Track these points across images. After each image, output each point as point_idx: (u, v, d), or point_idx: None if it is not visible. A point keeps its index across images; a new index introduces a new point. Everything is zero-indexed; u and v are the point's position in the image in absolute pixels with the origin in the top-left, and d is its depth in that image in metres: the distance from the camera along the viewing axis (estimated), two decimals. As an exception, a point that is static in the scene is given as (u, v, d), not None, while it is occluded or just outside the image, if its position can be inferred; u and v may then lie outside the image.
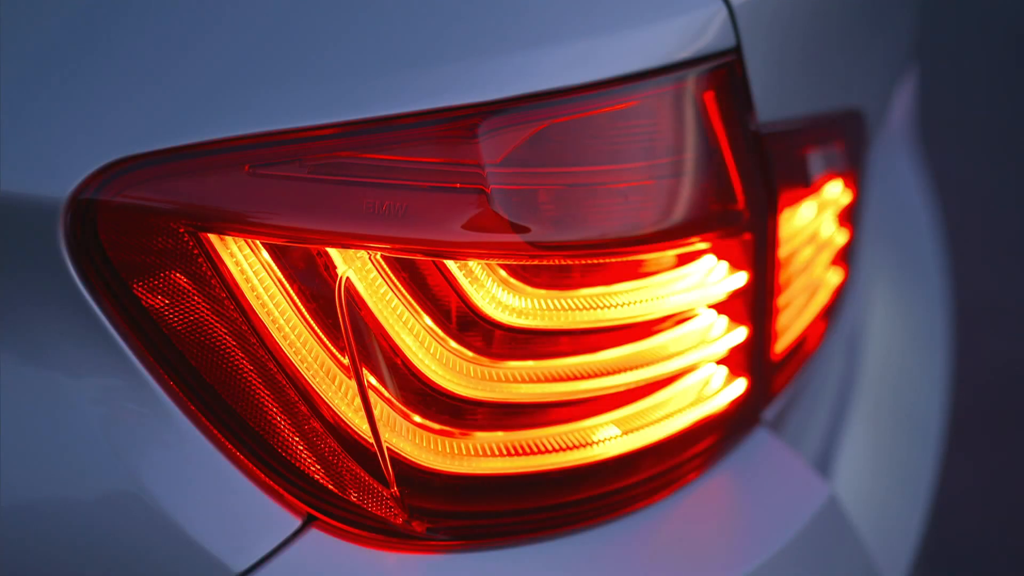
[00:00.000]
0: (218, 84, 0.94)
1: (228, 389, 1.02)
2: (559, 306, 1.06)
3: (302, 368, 1.02)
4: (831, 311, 1.41)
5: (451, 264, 1.02)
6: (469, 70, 0.95)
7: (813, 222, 1.28)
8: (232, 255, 0.99)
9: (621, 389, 1.11)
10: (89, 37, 0.96)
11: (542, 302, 1.05)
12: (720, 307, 1.16)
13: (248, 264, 0.99)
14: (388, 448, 1.04)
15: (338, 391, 1.03)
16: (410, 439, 1.05)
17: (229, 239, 0.98)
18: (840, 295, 1.44)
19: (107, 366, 0.99)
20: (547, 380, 1.08)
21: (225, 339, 1.01)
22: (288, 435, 1.04)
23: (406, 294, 1.02)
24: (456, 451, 1.07)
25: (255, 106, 0.94)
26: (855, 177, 1.39)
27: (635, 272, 1.09)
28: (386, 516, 1.07)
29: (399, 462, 1.05)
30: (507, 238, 0.99)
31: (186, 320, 1.00)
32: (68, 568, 1.02)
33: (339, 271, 1.00)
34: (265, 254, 1.00)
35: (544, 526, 1.12)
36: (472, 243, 0.99)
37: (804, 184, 1.24)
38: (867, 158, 1.45)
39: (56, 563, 1.02)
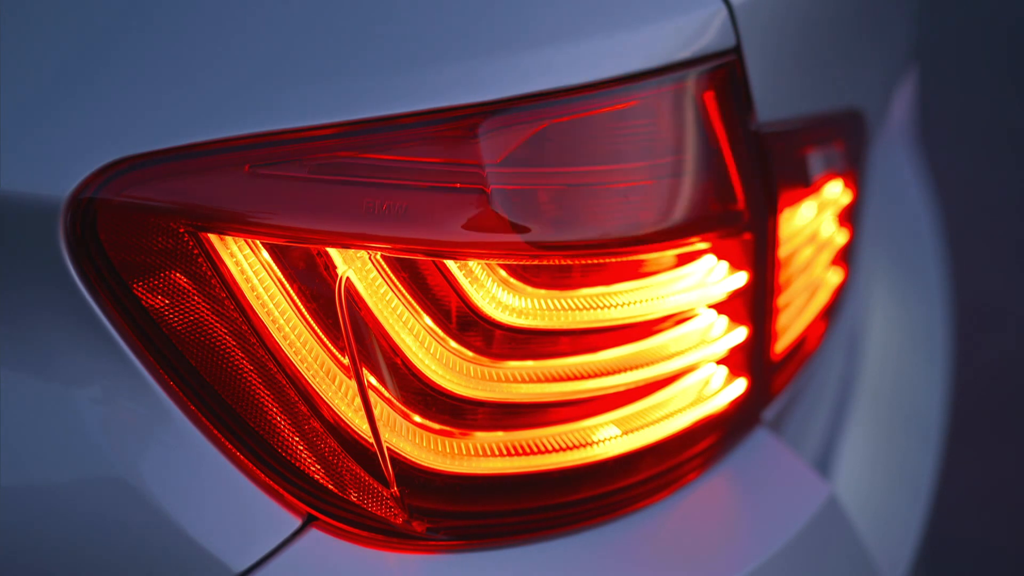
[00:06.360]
0: (218, 84, 0.94)
1: (228, 389, 1.02)
2: (559, 306, 1.06)
3: (302, 368, 1.02)
4: (831, 311, 1.41)
5: (451, 264, 1.02)
6: (469, 70, 0.95)
7: (813, 222, 1.28)
8: (232, 255, 0.99)
9: (621, 389, 1.11)
10: (89, 38, 0.96)
11: (542, 302, 1.05)
12: (720, 307, 1.16)
13: (248, 264, 0.99)
14: (388, 448, 1.04)
15: (338, 391, 1.03)
16: (410, 439, 1.05)
17: (229, 239, 0.98)
18: (840, 295, 1.44)
19: (107, 366, 0.99)
20: (547, 380, 1.07)
21: (225, 339, 1.01)
22: (288, 435, 1.04)
23: (406, 294, 1.02)
24: (456, 451, 1.07)
25: (255, 106, 0.94)
26: (855, 177, 1.39)
27: (635, 272, 1.09)
28: (386, 516, 1.07)
29: (399, 462, 1.05)
30: (507, 238, 0.99)
31: (186, 320, 1.00)
32: (68, 569, 1.02)
33: (339, 271, 1.00)
34: (265, 254, 1.00)
35: (544, 526, 1.12)
36: (472, 243, 0.99)
37: (804, 184, 1.24)
38: (867, 158, 1.45)
39: (56, 564, 1.01)
